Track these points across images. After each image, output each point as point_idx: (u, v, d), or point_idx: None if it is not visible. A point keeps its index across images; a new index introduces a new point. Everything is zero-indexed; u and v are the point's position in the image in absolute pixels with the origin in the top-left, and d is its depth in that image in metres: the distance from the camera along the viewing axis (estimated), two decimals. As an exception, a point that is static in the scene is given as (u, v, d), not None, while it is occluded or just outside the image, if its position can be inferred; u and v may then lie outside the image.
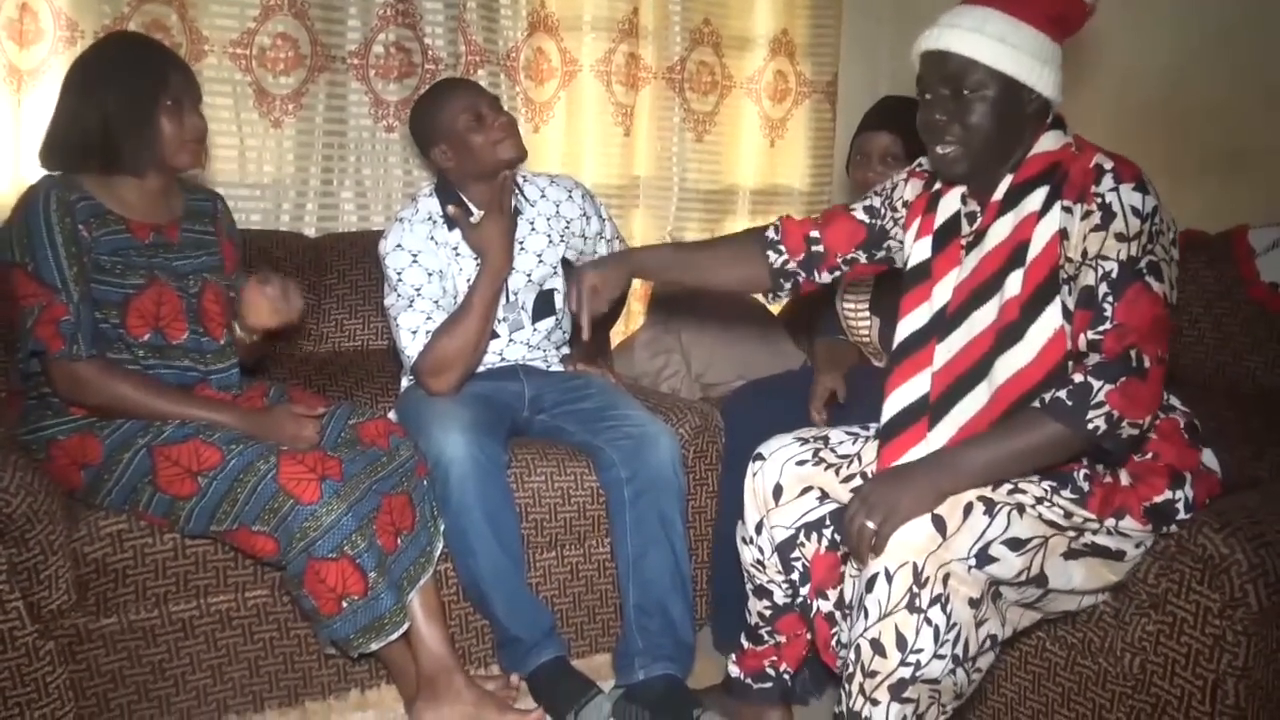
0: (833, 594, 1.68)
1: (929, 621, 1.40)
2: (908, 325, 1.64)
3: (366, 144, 2.71)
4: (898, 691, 1.41)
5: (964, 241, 1.61)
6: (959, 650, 1.42)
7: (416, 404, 2.13)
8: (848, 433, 1.82)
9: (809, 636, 1.78)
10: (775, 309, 3.23)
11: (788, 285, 1.89)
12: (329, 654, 1.97)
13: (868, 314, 2.28)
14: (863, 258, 1.83)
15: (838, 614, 1.68)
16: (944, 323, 1.58)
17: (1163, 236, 1.46)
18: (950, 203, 1.65)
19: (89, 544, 1.79)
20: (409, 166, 2.76)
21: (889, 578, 1.41)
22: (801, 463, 1.77)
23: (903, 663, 1.40)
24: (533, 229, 2.28)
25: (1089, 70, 2.75)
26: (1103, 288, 1.43)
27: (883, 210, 1.81)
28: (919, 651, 1.40)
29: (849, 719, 1.46)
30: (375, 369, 2.47)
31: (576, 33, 2.93)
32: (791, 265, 1.85)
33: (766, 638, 1.85)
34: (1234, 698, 1.51)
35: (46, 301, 1.77)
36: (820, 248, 1.84)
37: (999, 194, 1.55)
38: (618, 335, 2.95)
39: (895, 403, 1.61)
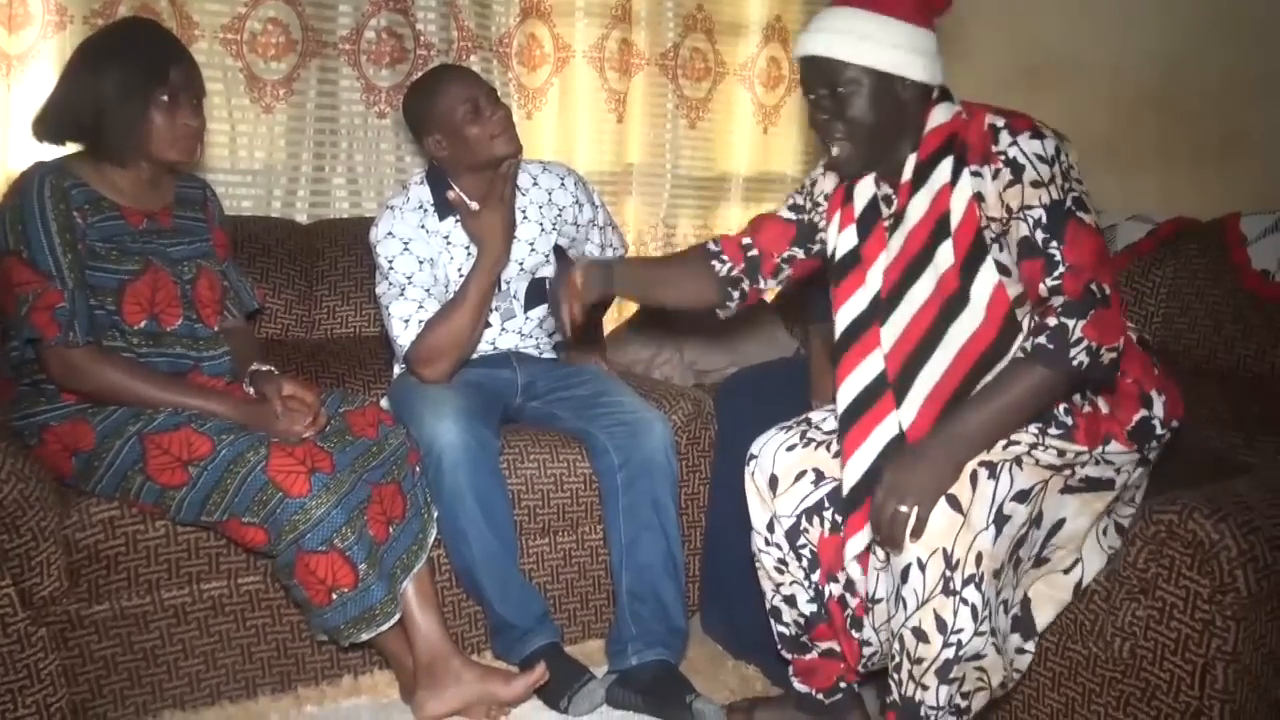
0: (841, 576, 1.70)
1: (965, 601, 1.44)
2: (847, 313, 1.68)
3: (358, 130, 2.70)
4: (944, 674, 1.46)
5: (886, 224, 1.67)
6: (996, 624, 1.48)
7: (409, 391, 2.12)
8: (828, 410, 1.83)
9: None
10: (768, 295, 3.23)
11: (735, 294, 1.96)
12: (321, 641, 1.97)
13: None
14: (800, 253, 1.91)
15: (848, 595, 1.69)
16: (882, 305, 1.63)
17: (1073, 170, 1.53)
18: (865, 189, 1.71)
19: (81, 530, 1.79)
20: (401, 153, 2.75)
21: (922, 566, 1.46)
22: (791, 448, 1.78)
23: (945, 644, 1.45)
24: (525, 217, 2.28)
25: (1081, 58, 2.76)
26: (1039, 234, 1.49)
27: (806, 205, 1.88)
28: (959, 632, 1.45)
29: (904, 705, 1.50)
30: (367, 356, 2.46)
31: (569, 18, 2.91)
32: (735, 273, 1.93)
33: (810, 645, 1.83)
34: (1223, 682, 1.52)
35: (41, 288, 1.77)
36: (755, 252, 1.92)
37: (907, 174, 1.61)
38: (611, 323, 2.94)
39: (850, 389, 1.65)
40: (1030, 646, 1.62)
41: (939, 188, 1.57)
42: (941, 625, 1.45)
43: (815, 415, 1.84)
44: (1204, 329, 2.25)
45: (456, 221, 2.21)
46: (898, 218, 1.63)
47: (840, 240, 1.72)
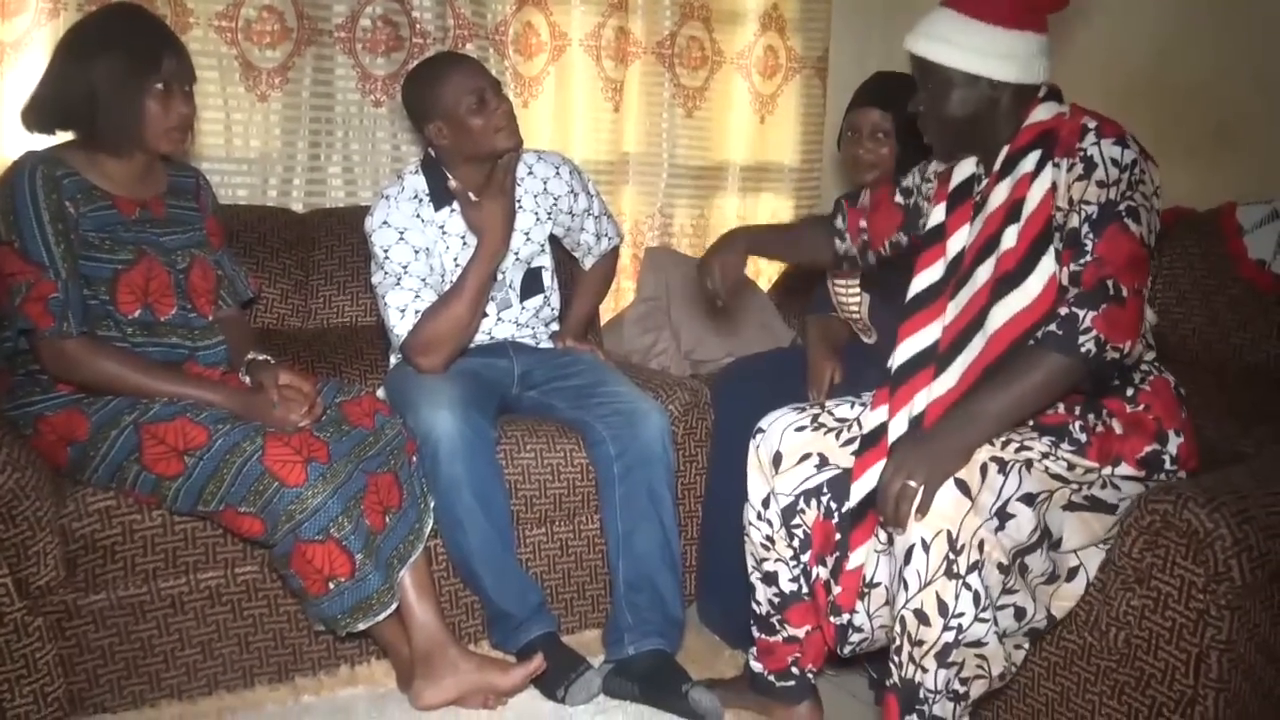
0: (830, 560, 1.73)
1: (968, 586, 1.46)
2: (923, 280, 1.75)
3: (354, 119, 2.68)
4: (943, 657, 1.48)
5: (975, 200, 1.72)
6: (1004, 625, 1.50)
7: (405, 381, 2.12)
8: (843, 399, 1.87)
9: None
10: (765, 285, 3.23)
11: (846, 265, 2.06)
12: (318, 630, 1.97)
13: (858, 290, 2.28)
14: (904, 239, 1.94)
15: (832, 582, 1.72)
16: (957, 279, 1.68)
17: (1143, 185, 1.56)
18: (965, 168, 1.76)
19: (77, 520, 1.79)
20: (397, 141, 2.74)
21: (925, 547, 1.47)
22: (800, 429, 1.80)
23: (945, 628, 1.47)
24: (520, 206, 2.27)
25: (1075, 47, 2.74)
26: (1084, 228, 1.54)
27: (916, 188, 1.91)
28: (960, 615, 1.46)
29: (904, 687, 1.52)
30: (364, 345, 2.46)
31: (565, 6, 2.90)
32: (851, 251, 2.01)
33: (778, 626, 1.86)
34: (1217, 671, 1.52)
35: (34, 279, 1.76)
36: (867, 236, 1.98)
37: (998, 163, 1.68)
38: (607, 312, 2.94)
39: (907, 349, 1.71)
40: (1026, 644, 1.63)
41: (1020, 176, 1.62)
42: (943, 608, 1.46)
43: (830, 401, 1.87)
44: (1200, 319, 2.25)
45: (452, 211, 2.20)
46: (983, 200, 1.69)
47: (934, 213, 1.80)
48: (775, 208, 3.34)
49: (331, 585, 1.78)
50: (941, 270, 1.72)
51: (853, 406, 1.84)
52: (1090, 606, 1.66)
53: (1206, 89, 2.58)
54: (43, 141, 1.91)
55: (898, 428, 1.68)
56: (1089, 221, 1.53)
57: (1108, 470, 1.60)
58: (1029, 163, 1.62)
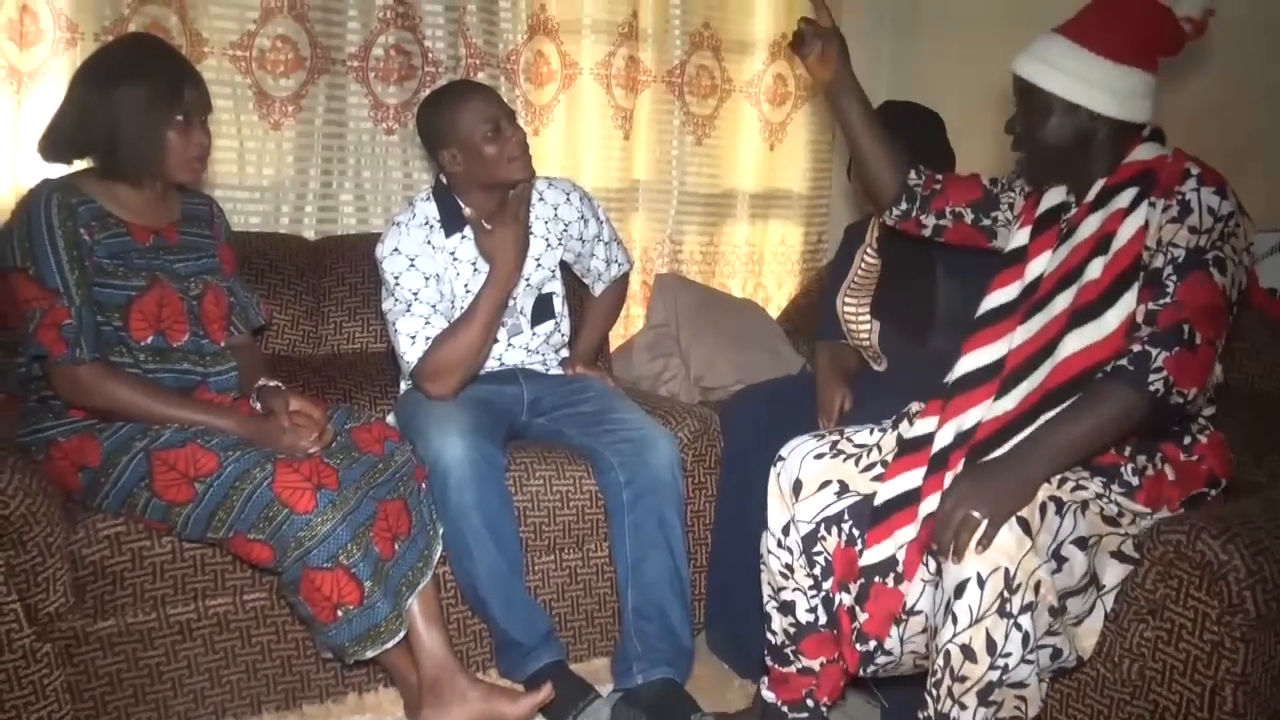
0: (854, 588, 1.71)
1: (1019, 627, 1.43)
2: (995, 299, 1.75)
3: (366, 146, 2.71)
4: (985, 695, 1.45)
5: (1060, 228, 1.71)
6: (1041, 662, 1.48)
7: (415, 407, 2.13)
8: (862, 425, 1.86)
9: (844, 666, 1.78)
10: (775, 312, 3.23)
11: (904, 206, 1.95)
12: (326, 658, 1.96)
13: (868, 317, 2.28)
14: (969, 216, 1.92)
15: (857, 609, 1.70)
16: (1032, 304, 1.68)
17: (1234, 239, 1.57)
18: (1054, 195, 1.76)
19: (87, 546, 1.79)
20: (409, 169, 2.76)
21: (981, 583, 1.44)
22: (820, 456, 1.80)
23: (991, 666, 1.44)
24: (531, 232, 2.28)
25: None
26: (1168, 270, 1.53)
27: (1004, 186, 1.91)
28: (1008, 655, 1.43)
29: None
30: (374, 372, 2.47)
31: (576, 36, 2.93)
32: (917, 189, 1.94)
33: (792, 658, 1.84)
34: (1232, 704, 1.51)
35: (48, 305, 1.77)
36: (939, 187, 1.94)
37: (1091, 194, 1.67)
38: (617, 338, 2.95)
39: (969, 363, 1.71)
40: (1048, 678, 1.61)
41: (1114, 211, 1.62)
42: (991, 646, 1.43)
43: (849, 428, 1.86)
44: (1211, 347, 2.24)
45: (463, 238, 2.21)
46: (1070, 229, 1.68)
47: (1016, 235, 1.79)
48: (785, 234, 3.35)
49: (340, 613, 1.78)
50: (1016, 292, 1.72)
51: (871, 433, 1.83)
52: (1104, 638, 1.65)
53: (1218, 113, 2.58)
54: (59, 169, 1.93)
55: (944, 439, 1.67)
56: (1174, 264, 1.53)
57: (1159, 514, 1.59)
58: (1124, 198, 1.61)
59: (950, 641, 1.45)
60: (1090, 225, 1.64)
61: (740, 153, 3.25)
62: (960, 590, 1.45)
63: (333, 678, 2.02)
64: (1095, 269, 1.60)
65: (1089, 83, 1.62)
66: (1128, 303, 1.56)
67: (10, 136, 2.30)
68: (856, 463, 1.78)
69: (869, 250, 2.33)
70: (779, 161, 3.29)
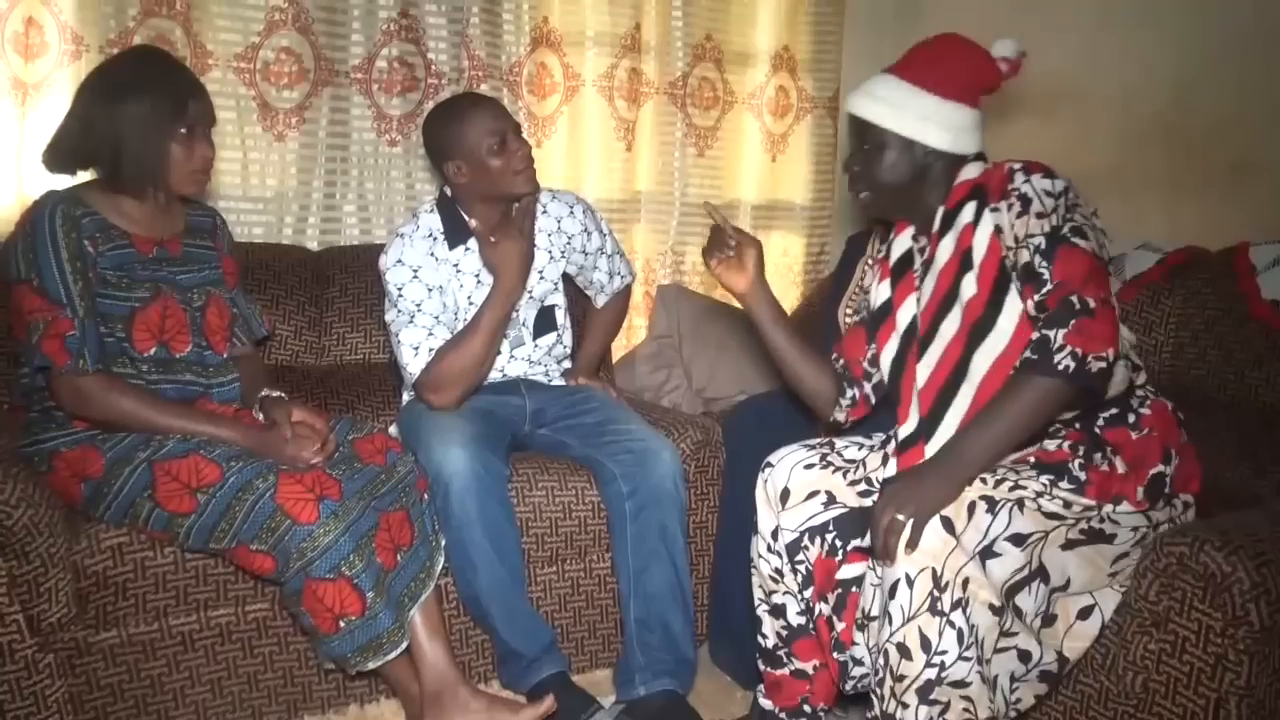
0: (831, 598, 1.73)
1: (951, 624, 1.46)
2: (886, 357, 1.79)
3: (369, 158, 2.71)
4: (925, 694, 1.47)
5: (916, 271, 1.76)
6: (981, 653, 1.48)
7: (417, 418, 2.13)
8: (853, 440, 1.87)
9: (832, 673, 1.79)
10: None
11: (848, 397, 1.93)
12: (328, 669, 1.96)
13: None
14: (872, 349, 1.91)
15: (835, 618, 1.72)
16: (920, 342, 1.70)
17: (1080, 207, 1.60)
18: (901, 243, 1.81)
19: (89, 557, 1.79)
20: (411, 180, 2.77)
21: (910, 583, 1.47)
22: (809, 466, 1.81)
23: (928, 664, 1.46)
24: (534, 245, 2.28)
25: (1089, 88, 2.76)
26: (1036, 259, 1.56)
27: (861, 298, 1.94)
28: (943, 653, 1.46)
29: None
30: (377, 383, 2.47)
31: (579, 48, 2.94)
32: (851, 393, 1.92)
33: (785, 659, 1.85)
34: (1236, 717, 1.50)
35: (52, 317, 1.78)
36: (843, 364, 1.93)
37: (937, 223, 1.72)
38: (619, 349, 2.95)
39: (905, 429, 1.70)
40: (1044, 687, 1.60)
41: (963, 227, 1.66)
42: (925, 644, 1.46)
43: (840, 441, 1.87)
44: (1213, 359, 2.24)
45: (466, 250, 2.22)
46: (928, 264, 1.72)
47: (877, 292, 1.84)
48: (787, 245, 3.36)
49: (342, 624, 1.78)
50: (898, 342, 1.75)
51: (861, 448, 1.84)
52: (1106, 650, 1.64)
53: (1222, 127, 2.59)
54: (63, 181, 1.93)
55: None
56: (1039, 252, 1.56)
57: (1108, 508, 1.59)
58: (967, 214, 1.66)
59: (888, 641, 1.49)
60: (945, 249, 1.68)
61: (742, 164, 3.25)
62: (893, 591, 1.49)
63: (334, 689, 2.02)
64: (969, 285, 1.63)
65: (923, 118, 1.68)
66: (1014, 303, 1.59)
67: (15, 148, 2.31)
68: (844, 476, 1.80)
69: (870, 261, 2.33)
70: (781, 173, 3.30)
